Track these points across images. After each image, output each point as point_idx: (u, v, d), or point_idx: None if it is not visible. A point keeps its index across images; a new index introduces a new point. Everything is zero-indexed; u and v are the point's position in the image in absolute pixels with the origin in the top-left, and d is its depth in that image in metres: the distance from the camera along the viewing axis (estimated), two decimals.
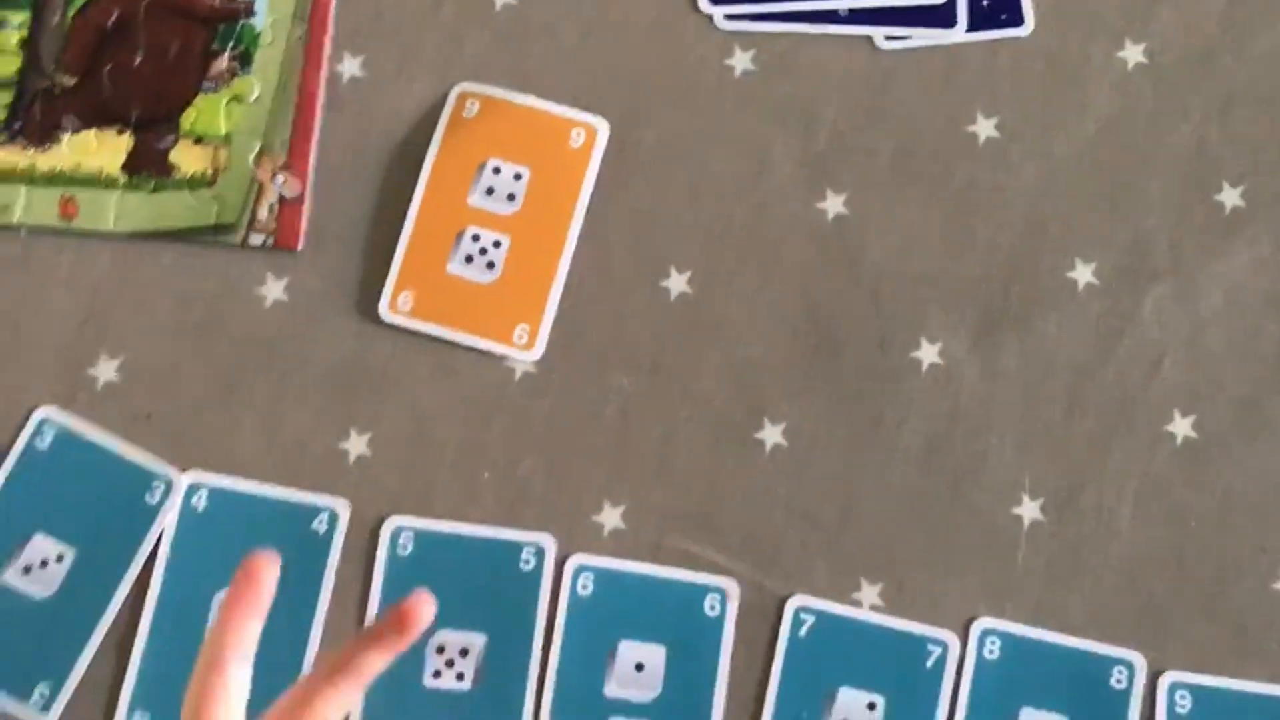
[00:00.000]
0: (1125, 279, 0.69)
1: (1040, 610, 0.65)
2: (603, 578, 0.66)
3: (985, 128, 0.71)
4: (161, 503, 0.65)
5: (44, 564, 0.65)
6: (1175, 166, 0.71)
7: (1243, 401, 0.68)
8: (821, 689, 0.64)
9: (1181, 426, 0.68)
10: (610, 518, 0.67)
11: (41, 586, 0.64)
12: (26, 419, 0.66)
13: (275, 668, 0.61)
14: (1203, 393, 0.68)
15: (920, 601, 0.65)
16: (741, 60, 0.72)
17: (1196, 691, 0.64)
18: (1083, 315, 0.68)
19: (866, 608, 0.65)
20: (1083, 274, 0.69)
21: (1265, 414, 0.68)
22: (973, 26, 0.72)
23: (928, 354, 0.68)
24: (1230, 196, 0.70)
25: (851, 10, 0.72)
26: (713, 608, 0.66)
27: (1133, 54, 0.72)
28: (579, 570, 0.66)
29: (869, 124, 0.71)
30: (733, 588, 0.65)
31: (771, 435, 0.68)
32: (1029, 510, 0.66)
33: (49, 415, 0.66)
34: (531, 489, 0.67)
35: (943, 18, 0.72)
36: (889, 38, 0.72)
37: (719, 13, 0.72)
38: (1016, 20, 0.72)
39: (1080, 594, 0.66)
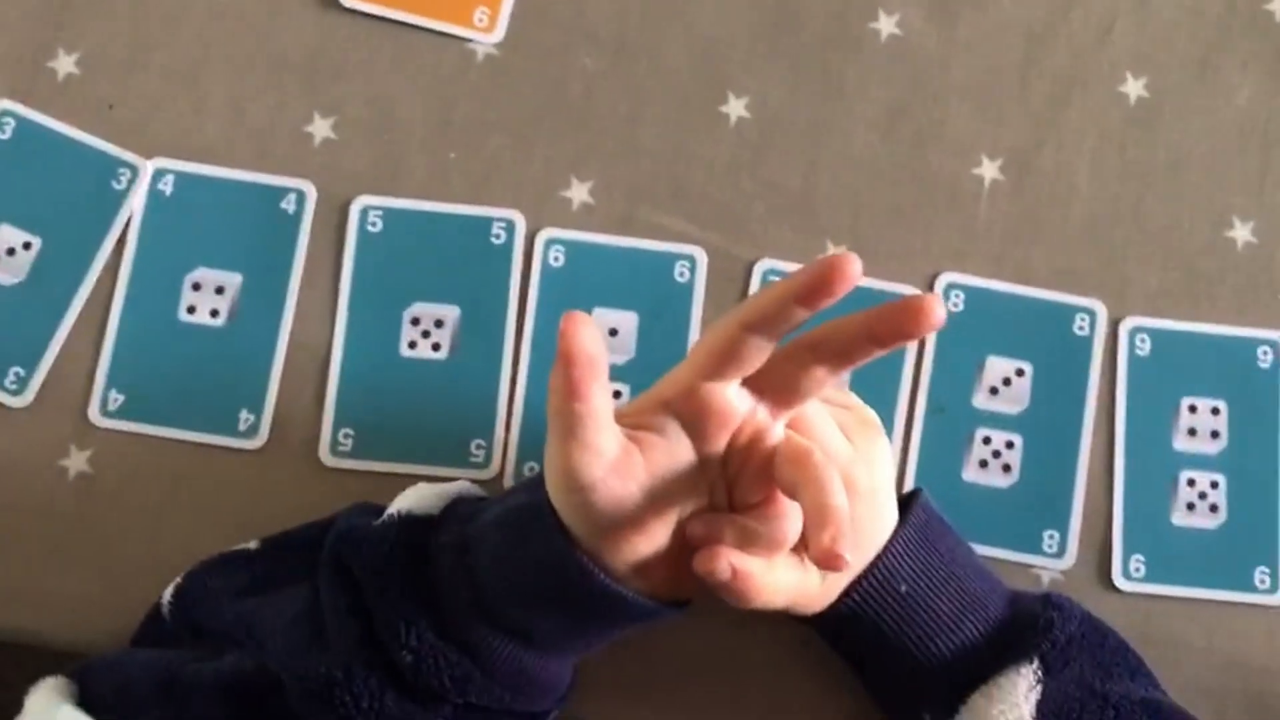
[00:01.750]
0: None
1: (1003, 265, 0.63)
2: (574, 249, 0.63)
3: None
4: (128, 189, 0.62)
5: (11, 252, 0.61)
6: None
7: (1192, 61, 0.66)
8: None
9: (1134, 87, 0.66)
10: (579, 193, 0.64)
11: (10, 274, 0.61)
12: None
13: (248, 349, 0.60)
14: (1153, 54, 0.66)
15: (884, 260, 0.63)
16: None
17: (1155, 334, 0.63)
18: None
19: None
20: None
21: (1214, 72, 0.65)
22: None
23: (886, 25, 0.65)
24: None
25: None
26: (682, 274, 0.63)
27: None
28: (550, 243, 0.63)
29: None
30: (701, 254, 0.63)
31: (735, 108, 0.65)
32: (989, 170, 0.64)
33: (9, 106, 0.62)
34: (499, 168, 0.64)
35: None
36: None
37: None
38: None
39: (1041, 248, 0.64)
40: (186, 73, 0.64)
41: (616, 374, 0.62)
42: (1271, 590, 0.61)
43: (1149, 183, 0.65)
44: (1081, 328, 0.63)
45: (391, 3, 0.64)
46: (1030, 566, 0.61)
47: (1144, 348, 0.63)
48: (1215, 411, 0.62)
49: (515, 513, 0.52)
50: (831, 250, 0.63)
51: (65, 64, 0.63)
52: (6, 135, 0.63)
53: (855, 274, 0.45)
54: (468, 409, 0.61)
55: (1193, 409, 0.62)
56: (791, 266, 0.63)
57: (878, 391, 0.62)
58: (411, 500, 0.55)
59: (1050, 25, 0.66)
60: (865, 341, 0.47)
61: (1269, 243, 0.64)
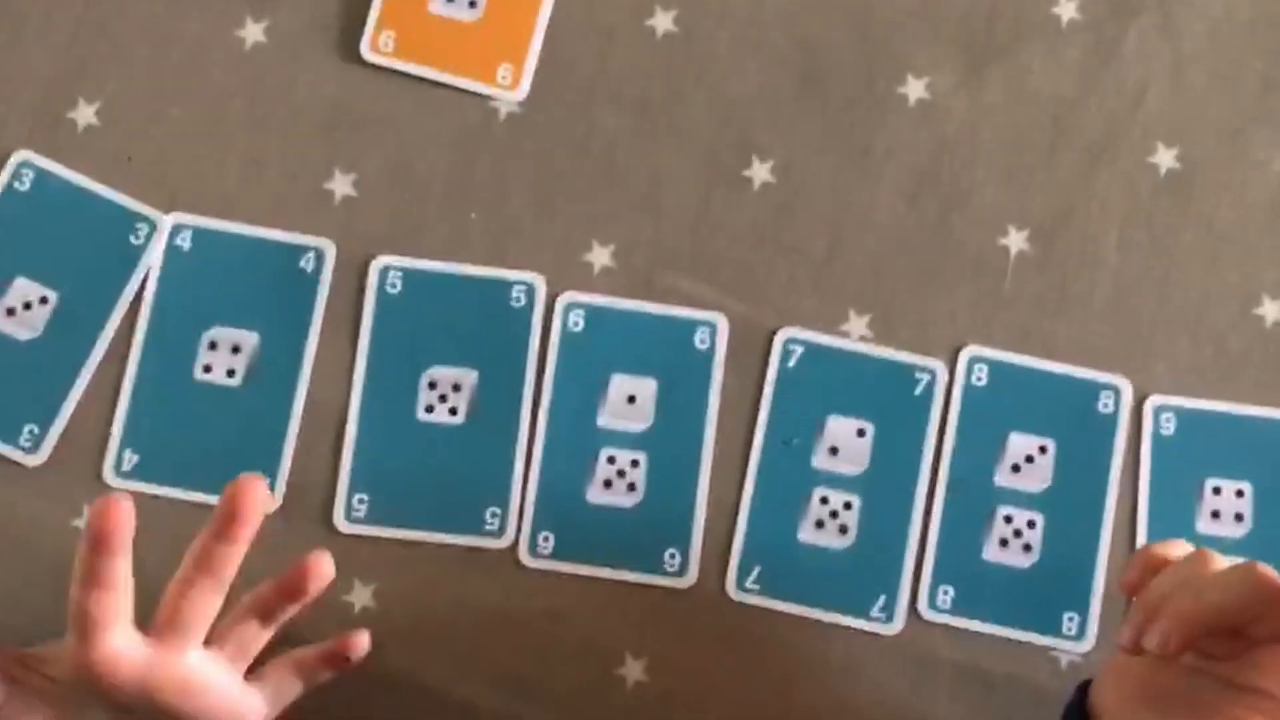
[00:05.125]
0: (1108, 12, 0.59)
1: (1027, 338, 0.57)
2: (594, 314, 0.57)
3: None
4: (146, 243, 0.55)
5: (28, 306, 0.55)
6: None
7: (1225, 132, 0.59)
8: (811, 418, 0.56)
9: (1165, 158, 0.59)
10: (600, 256, 0.57)
11: (26, 329, 0.55)
12: (4, 161, 0.56)
13: (263, 410, 0.55)
14: (1185, 124, 0.59)
15: (908, 331, 0.56)
16: None
17: (1180, 413, 0.57)
18: (1066, 49, 0.59)
19: (855, 338, 0.56)
20: (1066, 8, 0.59)
21: (1247, 144, 0.58)
22: None
23: (914, 89, 0.59)
24: None
25: None
26: (703, 341, 0.57)
27: None
28: (569, 307, 0.56)
29: None
30: (722, 321, 0.56)
31: (760, 172, 0.58)
32: (1015, 241, 0.58)
33: (28, 157, 0.56)
34: (520, 229, 0.57)
35: None
36: None
37: None
38: None
39: (1066, 321, 0.58)
40: (206, 125, 0.57)
41: (634, 442, 0.56)
42: None
43: (1177, 257, 0.58)
44: (1106, 405, 0.56)
45: (414, 57, 0.58)
46: (1049, 649, 0.55)
47: (1169, 427, 0.56)
48: (1240, 494, 0.57)
49: None
50: (854, 319, 0.58)
51: (85, 114, 0.57)
52: (25, 186, 0.56)
53: (328, 573, 0.47)
54: (484, 475, 0.55)
55: (1217, 490, 0.57)
56: (814, 335, 0.57)
57: (898, 467, 0.56)
58: None
59: (1081, 93, 0.59)
60: (280, 599, 0.48)
61: None
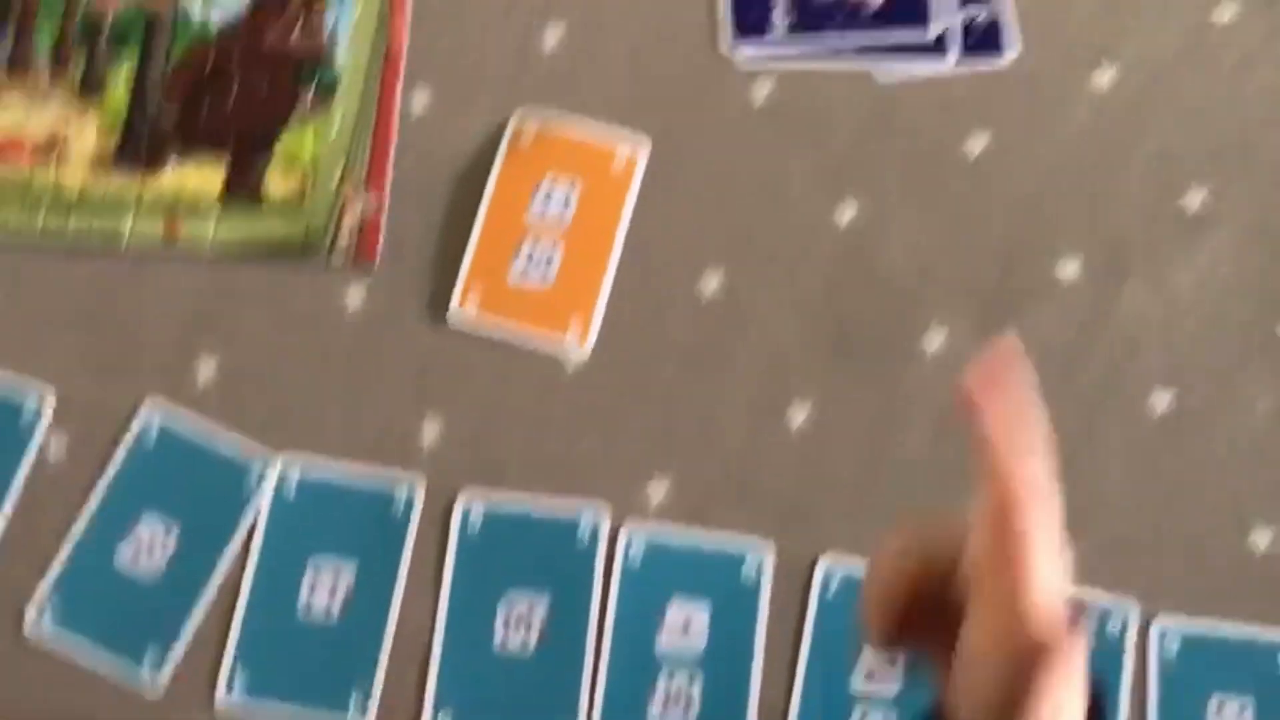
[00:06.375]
0: (1105, 273, 0.65)
1: None
2: (653, 544, 0.61)
3: (976, 144, 0.67)
4: (257, 486, 0.61)
5: (150, 545, 0.61)
6: (1146, 172, 0.67)
7: (1215, 377, 0.64)
8: (852, 642, 0.62)
9: (1161, 401, 0.64)
10: (657, 490, 0.62)
11: (150, 563, 0.61)
12: (134, 413, 0.62)
13: (359, 639, 0.61)
14: (1179, 371, 0.64)
15: None
16: (761, 91, 0.68)
17: (1184, 637, 0.61)
18: (1069, 305, 0.64)
19: None
20: (1067, 270, 0.65)
21: (1236, 388, 0.63)
22: (962, 57, 0.68)
23: (933, 342, 0.65)
24: (1195, 198, 0.67)
25: (856, 48, 0.70)
26: (750, 569, 0.62)
27: (1106, 75, 0.69)
28: (631, 537, 0.62)
29: (875, 144, 0.67)
30: (768, 550, 0.61)
31: (798, 415, 0.64)
32: None
33: (156, 408, 0.63)
34: (588, 466, 0.62)
35: (936, 51, 0.69)
36: (889, 70, 0.69)
37: (741, 52, 0.69)
38: (1000, 51, 0.69)
39: (1076, 552, 0.63)
40: (312, 379, 0.63)
41: (690, 663, 0.60)
42: None
43: (1174, 491, 0.63)
44: (1114, 627, 0.61)
45: (493, 319, 0.64)
46: None
47: (1172, 648, 0.61)
48: (1243, 709, 0.61)
49: None
50: None
51: (207, 369, 0.63)
52: (153, 435, 0.62)
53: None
54: (553, 702, 0.59)
55: (1220, 708, 0.61)
56: (852, 562, 0.62)
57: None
58: None
59: (1083, 340, 0.64)
60: None
61: None
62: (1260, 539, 0.62)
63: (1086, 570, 0.62)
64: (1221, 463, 0.63)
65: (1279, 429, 0.63)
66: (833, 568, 0.61)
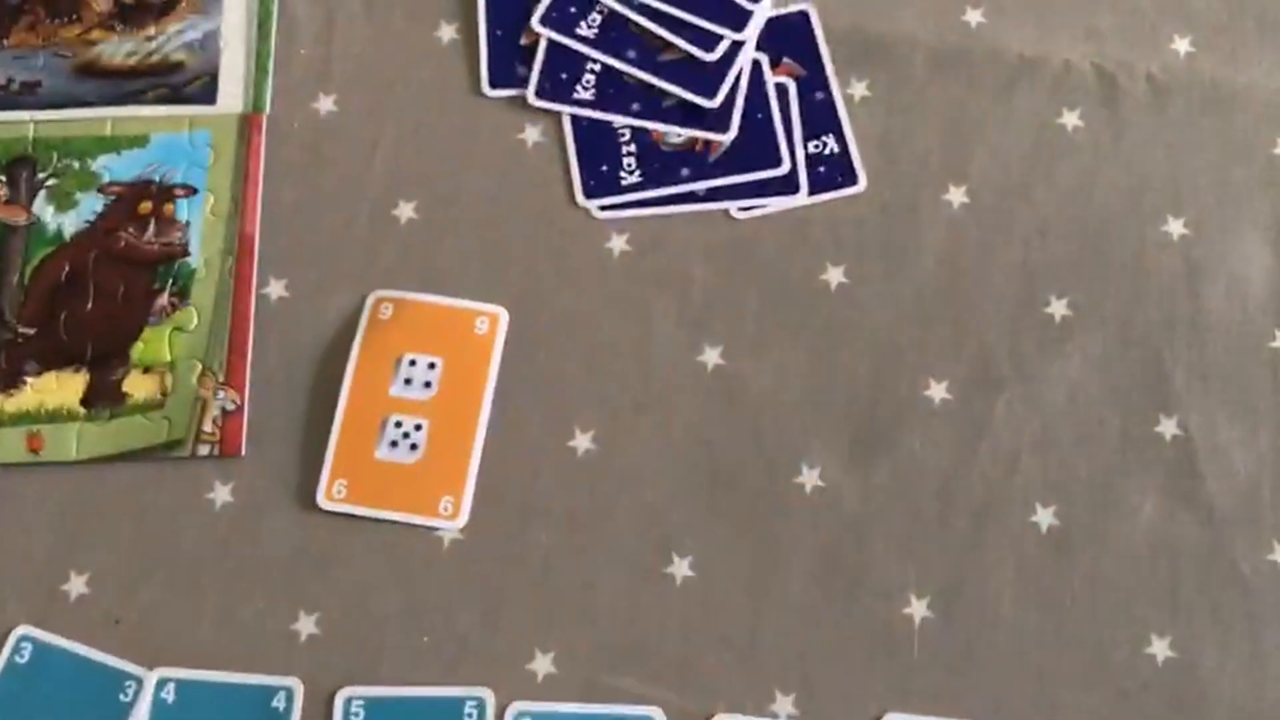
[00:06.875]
0: (975, 390, 0.64)
1: (943, 699, 0.59)
2: None
3: (835, 275, 0.67)
4: (134, 700, 0.59)
5: None
6: (1007, 287, 0.66)
7: (1098, 486, 0.63)
8: None
9: (1044, 516, 0.62)
10: (543, 664, 0.60)
11: None
12: (5, 637, 0.60)
13: None
14: (1058, 484, 0.62)
15: (832, 705, 0.59)
16: (618, 242, 0.68)
17: None
18: (942, 427, 0.63)
19: (784, 717, 0.60)
20: (937, 391, 0.64)
21: (1117, 496, 0.62)
22: (814, 190, 0.68)
23: (810, 478, 0.63)
24: (1058, 307, 0.66)
25: (708, 190, 0.70)
26: None
27: (956, 195, 0.68)
28: (519, 716, 0.60)
29: (735, 283, 0.66)
30: (659, 715, 0.59)
31: (680, 568, 0.62)
32: (918, 609, 0.60)
33: (27, 632, 0.60)
34: (469, 646, 0.60)
35: (787, 186, 0.69)
36: (743, 208, 0.69)
37: (594, 205, 0.69)
38: (851, 181, 0.68)
39: (975, 679, 0.61)
40: (183, 585, 0.61)
41: None
42: None
43: (1068, 607, 0.61)
44: None
45: (363, 501, 0.63)
46: None
47: None
48: None
49: None
50: (780, 699, 0.60)
51: (77, 584, 0.61)
52: (24, 659, 0.60)
53: None
54: None
55: None
56: (744, 719, 0.61)
57: None
58: None
59: (960, 463, 0.63)
60: None
61: (1188, 655, 0.61)
62: (1159, 648, 0.60)
63: (989, 697, 0.60)
64: (1112, 573, 0.61)
65: (1165, 533, 0.62)
66: None
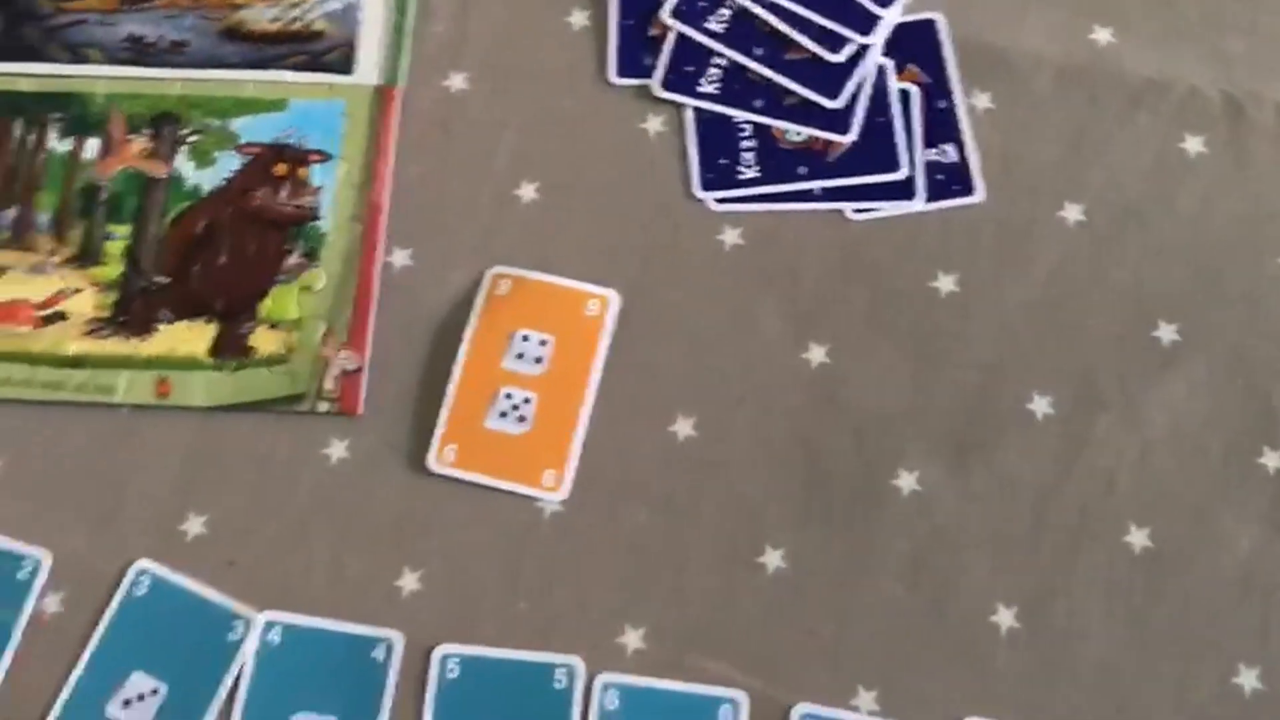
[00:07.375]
0: (1078, 408, 0.64)
1: (1022, 710, 0.59)
2: (627, 693, 0.61)
3: (946, 283, 0.67)
4: (242, 639, 0.62)
5: (141, 698, 0.61)
6: (1117, 307, 0.66)
7: (1192, 512, 0.63)
8: None
9: (1138, 537, 0.63)
10: (632, 639, 0.62)
11: (139, 719, 0.62)
12: (126, 569, 0.64)
13: None
14: (1155, 506, 0.63)
15: (912, 705, 0.60)
16: (731, 235, 0.69)
17: None
18: (1042, 441, 0.64)
19: (864, 712, 0.60)
20: (1040, 405, 0.65)
21: (1212, 523, 0.62)
22: (930, 197, 0.69)
23: (906, 481, 0.64)
24: (1166, 332, 0.66)
25: (824, 189, 0.71)
26: (725, 717, 0.61)
27: (1072, 212, 0.69)
28: (606, 687, 0.61)
29: (844, 283, 0.67)
30: (743, 698, 0.60)
31: (772, 559, 0.63)
32: (1005, 618, 0.61)
33: (146, 566, 0.63)
34: (562, 616, 0.62)
35: (904, 191, 0.70)
36: (858, 210, 0.70)
37: (710, 197, 0.71)
38: (968, 190, 0.69)
39: (1057, 692, 0.61)
40: (296, 534, 0.64)
41: None
42: None
43: (1156, 630, 0.61)
44: None
45: (471, 467, 0.65)
46: None
47: None
48: None
49: None
50: (862, 694, 0.61)
51: (195, 525, 0.64)
52: (143, 591, 0.64)
53: None
54: None
55: None
56: (827, 710, 0.61)
57: None
58: None
59: (1057, 478, 0.63)
60: None
61: (1277, 688, 0.61)
62: (1246, 679, 0.60)
63: (1070, 712, 0.61)
64: (1201, 599, 0.61)
65: (1260, 564, 0.62)
66: (809, 714, 0.60)
